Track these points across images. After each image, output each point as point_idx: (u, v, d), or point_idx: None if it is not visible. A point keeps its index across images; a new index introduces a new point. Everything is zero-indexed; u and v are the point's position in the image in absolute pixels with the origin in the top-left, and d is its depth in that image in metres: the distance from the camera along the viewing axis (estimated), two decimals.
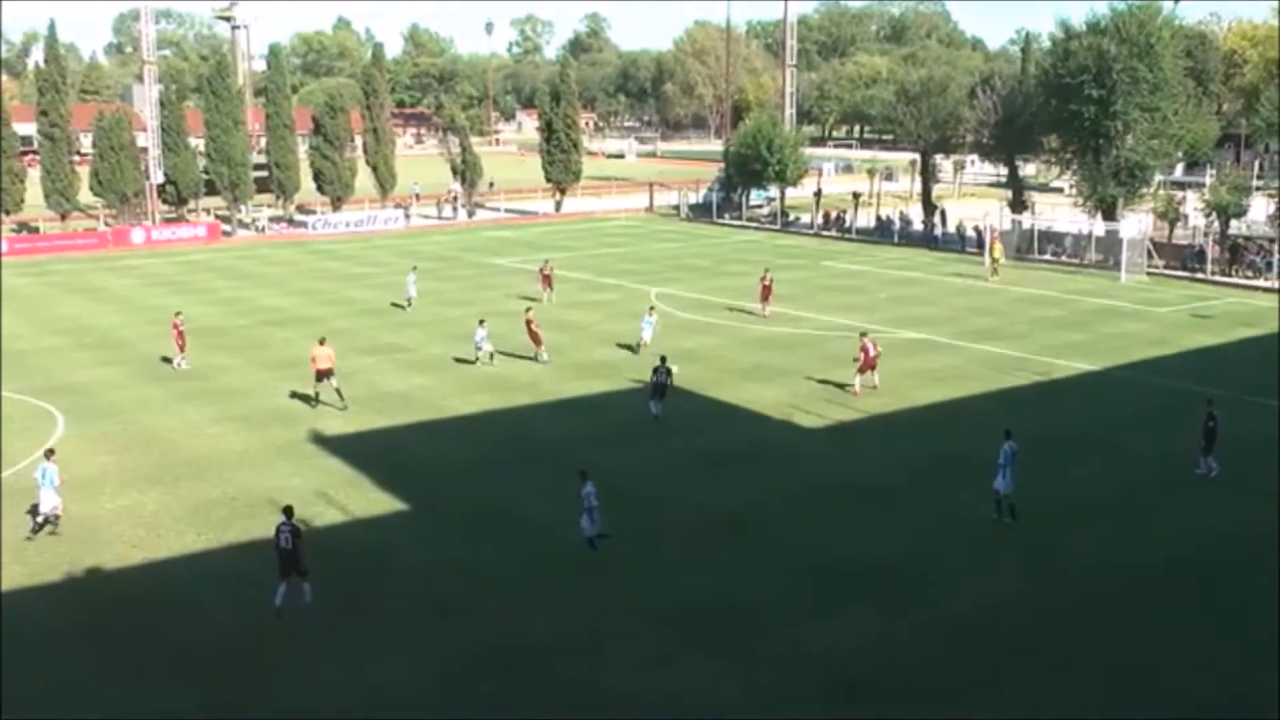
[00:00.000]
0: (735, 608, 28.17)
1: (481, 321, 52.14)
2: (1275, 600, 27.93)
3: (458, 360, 52.56)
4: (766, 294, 62.59)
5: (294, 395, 47.29)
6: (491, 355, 51.89)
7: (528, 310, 54.06)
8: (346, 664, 25.82)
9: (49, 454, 34.52)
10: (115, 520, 34.22)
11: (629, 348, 54.55)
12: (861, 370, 46.45)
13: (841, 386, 47.22)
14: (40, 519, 33.16)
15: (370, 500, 35.74)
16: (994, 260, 75.36)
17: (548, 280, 68.85)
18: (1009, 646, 26.19)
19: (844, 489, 36.09)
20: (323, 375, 45.64)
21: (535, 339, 52.66)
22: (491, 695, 24.42)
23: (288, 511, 29.14)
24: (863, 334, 48.13)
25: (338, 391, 45.58)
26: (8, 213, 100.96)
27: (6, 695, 24.38)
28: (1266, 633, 26.42)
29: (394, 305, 66.41)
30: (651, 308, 50.89)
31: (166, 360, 53.64)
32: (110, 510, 35.03)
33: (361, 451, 40.27)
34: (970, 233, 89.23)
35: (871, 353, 46.22)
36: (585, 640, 26.72)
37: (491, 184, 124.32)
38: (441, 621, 27.74)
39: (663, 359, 44.69)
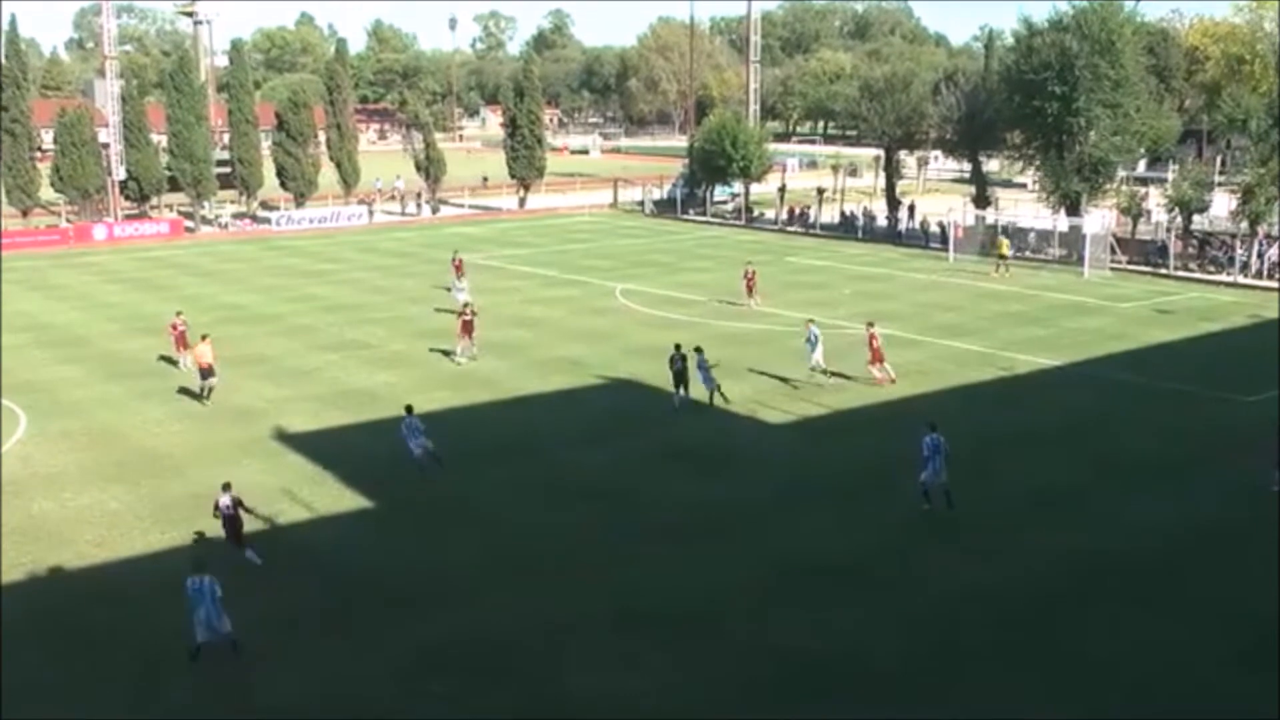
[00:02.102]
0: (699, 606, 28.14)
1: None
2: (1241, 593, 28.19)
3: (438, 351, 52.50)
4: (750, 287, 62.92)
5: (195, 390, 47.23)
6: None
7: (467, 307, 53.62)
8: (306, 661, 25.78)
9: None
10: (78, 519, 34.06)
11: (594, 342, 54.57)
12: (874, 362, 46.94)
13: (790, 383, 47.21)
14: None
15: (333, 497, 35.68)
16: (1001, 258, 74.95)
17: (459, 270, 68.51)
18: (974, 642, 26.28)
19: (809, 485, 36.15)
20: (206, 373, 45.87)
21: (467, 333, 51.96)
22: (449, 694, 24.39)
23: (226, 486, 31.01)
24: (869, 324, 48.37)
25: (208, 391, 45.91)
26: None
27: None
28: (1229, 626, 26.66)
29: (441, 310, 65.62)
30: (811, 320, 49.49)
31: (170, 361, 52.68)
32: (73, 509, 34.86)
33: (324, 448, 40.17)
34: (934, 228, 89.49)
35: (876, 343, 46.94)
36: (547, 639, 26.68)
37: (486, 179, 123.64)
38: (402, 619, 27.69)
39: (677, 346, 44.83)
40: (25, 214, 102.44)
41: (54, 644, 26.80)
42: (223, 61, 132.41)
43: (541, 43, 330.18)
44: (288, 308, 66.22)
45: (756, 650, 25.96)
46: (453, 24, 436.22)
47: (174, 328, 52.58)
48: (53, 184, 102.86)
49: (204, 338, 46.54)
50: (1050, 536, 32.11)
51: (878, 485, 35.83)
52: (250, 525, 32.70)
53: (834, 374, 47.40)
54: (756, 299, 63.37)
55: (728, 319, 60.49)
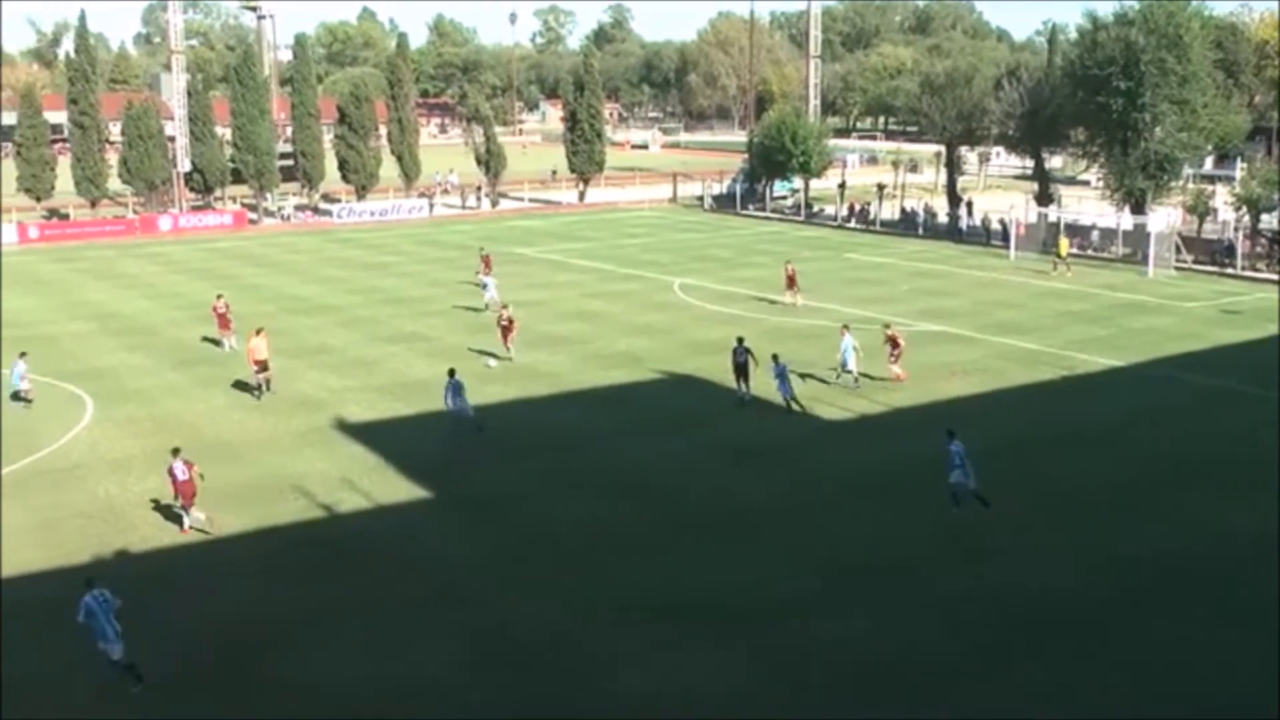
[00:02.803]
0: (748, 600, 28.21)
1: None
2: None
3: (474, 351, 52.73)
4: (791, 284, 62.84)
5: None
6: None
7: (505, 308, 53.04)
8: (362, 650, 26.01)
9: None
10: (142, 503, 34.53)
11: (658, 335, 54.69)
12: (895, 360, 46.68)
13: (864, 378, 47.18)
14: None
15: (391, 487, 35.97)
16: (1060, 257, 74.25)
17: (487, 266, 69.07)
18: (1016, 640, 26.21)
19: (862, 482, 36.04)
20: (260, 367, 45.77)
21: (506, 336, 51.05)
22: (504, 684, 24.59)
23: (176, 450, 32.85)
24: (886, 325, 48.11)
25: (266, 384, 45.77)
26: (39, 199, 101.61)
27: (22, 675, 24.70)
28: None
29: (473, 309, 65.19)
30: (846, 326, 48.32)
31: (214, 342, 54.53)
32: (137, 493, 35.35)
33: (383, 439, 40.52)
34: (996, 225, 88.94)
35: (901, 343, 46.65)
36: (597, 632, 26.82)
37: (555, 172, 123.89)
38: (458, 609, 27.96)
39: (740, 340, 44.97)
40: (93, 204, 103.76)
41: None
42: (286, 56, 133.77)
43: (601, 37, 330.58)
44: (349, 299, 66.72)
45: (805, 648, 25.95)
46: (513, 18, 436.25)
47: (215, 310, 54.51)
48: (120, 175, 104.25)
49: (258, 332, 46.63)
50: (1105, 539, 31.84)
51: (932, 484, 35.62)
52: (310, 513, 33.25)
53: (862, 375, 46.90)
54: (798, 296, 63.03)
55: (786, 315, 60.40)
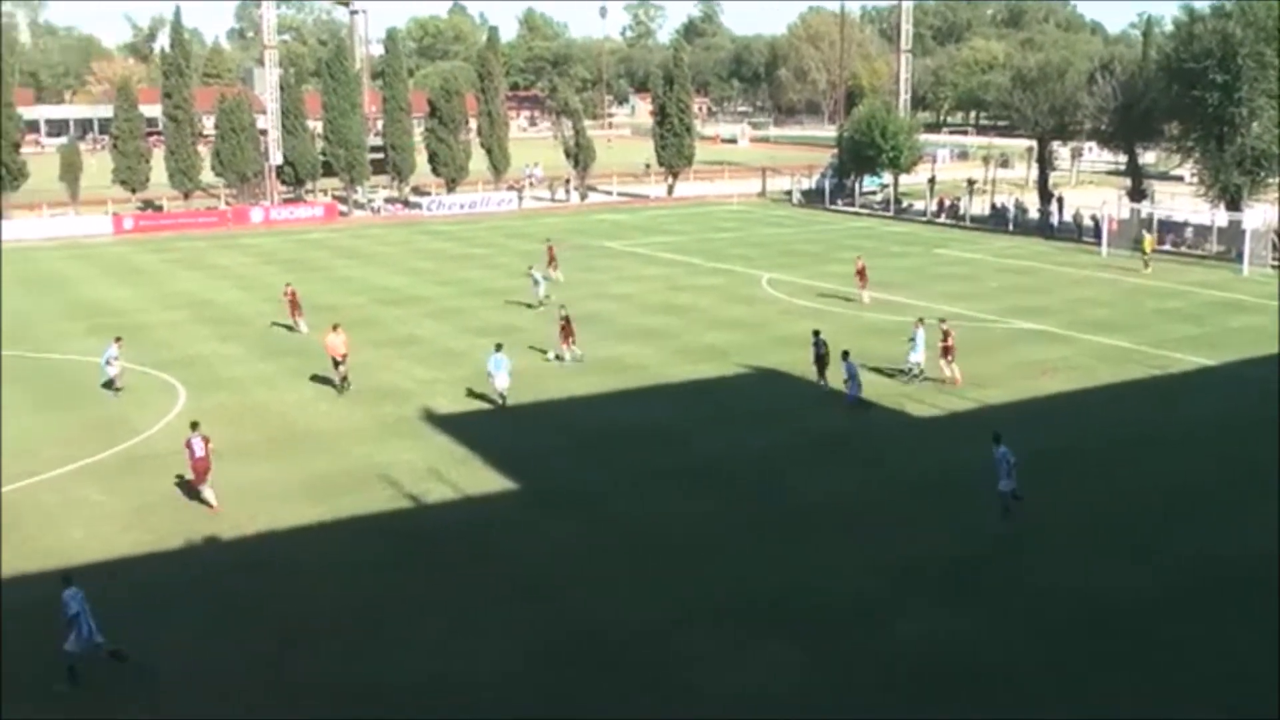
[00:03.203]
0: (821, 599, 28.07)
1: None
2: None
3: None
4: (861, 279, 62.45)
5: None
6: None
7: (562, 308, 52.17)
8: (440, 640, 26.18)
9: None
10: (233, 491, 34.86)
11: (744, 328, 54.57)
12: (947, 358, 45.77)
13: (935, 379, 46.77)
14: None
15: (478, 478, 36.12)
16: (1144, 254, 73.16)
17: (553, 258, 69.61)
18: (1096, 645, 25.74)
19: (950, 481, 35.69)
20: (339, 362, 45.76)
21: (568, 336, 50.25)
22: (578, 680, 24.66)
23: (194, 425, 34.34)
24: (941, 320, 47.54)
25: (346, 379, 45.73)
26: (133, 191, 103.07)
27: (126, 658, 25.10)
28: None
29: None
30: (920, 320, 48.01)
31: (288, 328, 55.70)
32: (228, 481, 35.66)
33: (471, 430, 40.73)
34: (1088, 222, 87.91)
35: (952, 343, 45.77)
36: (677, 628, 26.76)
37: (648, 166, 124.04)
38: (537, 603, 28.03)
39: (816, 333, 45.24)
40: (186, 196, 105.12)
41: (202, 611, 27.62)
42: (377, 50, 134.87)
43: (691, 31, 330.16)
44: (437, 291, 67.12)
45: (882, 648, 25.78)
46: (603, 12, 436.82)
47: (286, 296, 56.17)
48: (213, 168, 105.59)
49: (335, 327, 46.61)
50: (1189, 543, 31.28)
51: (1022, 482, 35.32)
52: (396, 503, 33.50)
53: (927, 377, 46.49)
54: (866, 293, 62.51)
55: (876, 311, 60.04)
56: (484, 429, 41.04)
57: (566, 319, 50.21)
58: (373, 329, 56.62)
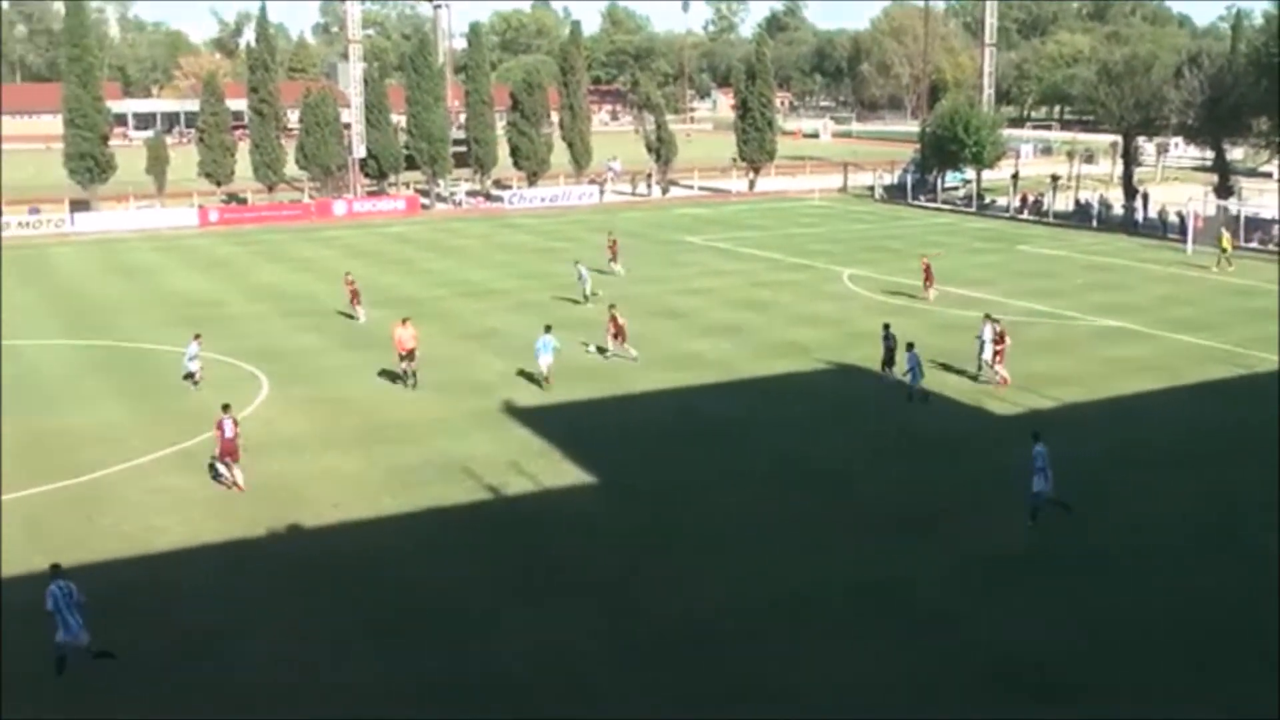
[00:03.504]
0: (910, 595, 27.98)
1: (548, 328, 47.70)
2: None
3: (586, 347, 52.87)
4: (928, 278, 61.99)
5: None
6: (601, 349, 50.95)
7: (612, 307, 51.47)
8: (517, 631, 26.30)
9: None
10: (316, 481, 35.28)
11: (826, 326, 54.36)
12: (999, 360, 44.92)
13: (1019, 376, 46.39)
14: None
15: (557, 471, 36.26)
16: (1223, 251, 72.02)
17: (614, 251, 70.16)
18: (1172, 650, 25.50)
19: (1025, 481, 35.35)
20: (406, 356, 45.67)
21: (618, 334, 49.83)
22: (652, 672, 24.69)
23: (225, 407, 35.17)
24: (990, 317, 46.53)
25: (414, 374, 45.60)
26: (219, 184, 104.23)
27: (204, 633, 25.40)
28: None
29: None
30: (987, 315, 47.49)
31: (349, 316, 56.97)
32: (311, 471, 36.12)
33: (552, 423, 40.86)
34: (1173, 218, 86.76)
35: (1006, 341, 45.05)
36: (755, 622, 26.78)
37: (735, 160, 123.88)
38: (613, 595, 28.15)
39: (886, 326, 45.16)
40: (270, 189, 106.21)
41: (282, 600, 27.95)
42: (461, 44, 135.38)
43: (774, 25, 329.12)
44: (518, 284, 67.38)
45: (966, 649, 25.60)
46: (686, 6, 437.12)
47: (346, 284, 57.82)
48: (297, 161, 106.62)
49: (404, 321, 46.55)
50: (1269, 543, 30.61)
51: (1094, 483, 34.93)
52: (476, 495, 33.70)
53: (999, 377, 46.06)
54: (931, 291, 61.88)
55: (956, 306, 59.59)
56: (563, 422, 41.16)
57: (614, 315, 50.11)
58: (453, 322, 56.96)
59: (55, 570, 24.73)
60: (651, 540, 31.35)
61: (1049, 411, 42.14)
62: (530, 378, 46.05)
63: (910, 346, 43.44)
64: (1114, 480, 35.08)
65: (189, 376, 45.91)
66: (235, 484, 34.55)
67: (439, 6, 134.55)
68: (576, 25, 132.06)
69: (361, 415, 42.01)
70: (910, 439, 39.27)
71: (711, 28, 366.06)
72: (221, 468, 34.94)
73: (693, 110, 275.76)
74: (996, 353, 44.86)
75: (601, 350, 50.14)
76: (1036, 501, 31.55)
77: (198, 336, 47.13)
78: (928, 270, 62.14)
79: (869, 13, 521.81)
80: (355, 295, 57.76)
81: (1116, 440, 38.68)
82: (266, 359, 49.72)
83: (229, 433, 34.41)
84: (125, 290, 67.12)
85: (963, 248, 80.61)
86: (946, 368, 46.42)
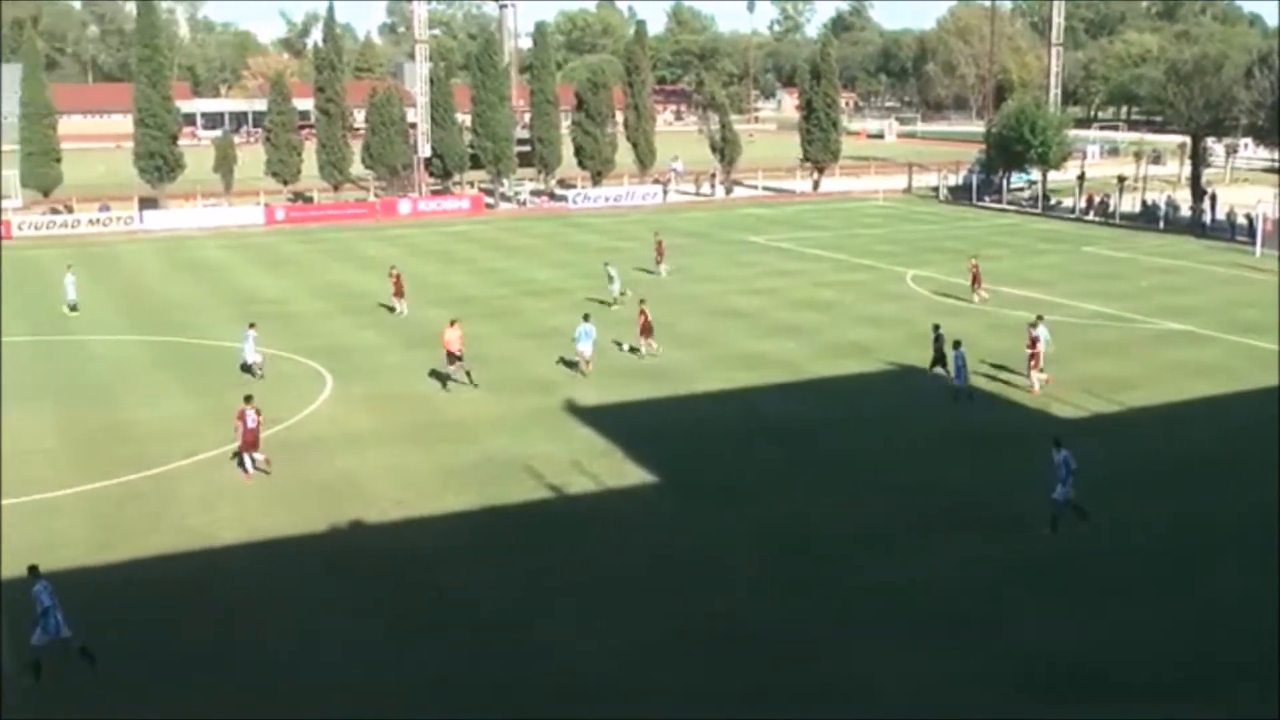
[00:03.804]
0: (971, 598, 27.91)
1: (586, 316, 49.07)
2: None
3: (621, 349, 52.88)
4: (976, 281, 61.58)
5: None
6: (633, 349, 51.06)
7: (642, 302, 51.64)
8: (575, 629, 26.47)
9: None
10: (377, 477, 35.58)
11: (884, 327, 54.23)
12: (1034, 365, 44.44)
13: (1080, 380, 46.07)
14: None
15: (619, 471, 36.38)
16: None
17: (660, 252, 70.35)
18: (1234, 654, 25.28)
19: (1095, 484, 35.06)
20: (453, 358, 45.64)
21: (646, 330, 50.01)
22: (711, 670, 24.75)
23: (248, 398, 36.13)
24: (1041, 318, 46.40)
25: (467, 373, 45.60)
26: (285, 182, 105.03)
27: (263, 640, 25.69)
28: None
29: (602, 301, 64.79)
30: (1040, 317, 47.08)
31: (389, 309, 58.73)
32: (373, 467, 36.42)
33: (614, 422, 40.98)
34: (1241, 220, 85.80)
35: (1040, 346, 44.48)
36: (811, 621, 26.80)
37: (802, 160, 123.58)
38: (672, 593, 28.22)
39: (936, 326, 45.19)
40: (336, 188, 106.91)
41: (341, 595, 28.22)
42: (526, 44, 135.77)
43: (839, 25, 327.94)
44: (581, 283, 67.49)
45: (1028, 649, 25.53)
46: (751, 6, 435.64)
47: (391, 277, 59.66)
48: (363, 160, 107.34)
49: (452, 322, 46.58)
50: None
51: (1157, 486, 34.70)
52: (538, 494, 33.85)
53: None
54: (981, 293, 61.38)
55: (1019, 308, 59.21)
56: (626, 421, 41.27)
57: (644, 310, 50.27)
58: (516, 321, 57.21)
59: (34, 572, 24.76)
60: (713, 540, 31.39)
61: (1110, 414, 41.92)
62: (573, 365, 46.99)
63: (957, 345, 43.40)
64: (1175, 483, 34.84)
65: (247, 369, 46.55)
66: (259, 468, 35.70)
67: (505, 6, 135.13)
68: (642, 25, 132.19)
69: (423, 412, 42.30)
70: (972, 440, 39.09)
71: (777, 28, 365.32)
72: (245, 458, 35.68)
73: (757, 110, 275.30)
74: (1031, 356, 44.55)
75: (634, 350, 50.27)
76: (1056, 509, 31.25)
77: (252, 325, 47.92)
78: (976, 272, 61.81)
79: (935, 12, 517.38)
80: (399, 288, 58.93)
81: (1176, 444, 38.40)
82: (330, 356, 50.13)
83: (251, 423, 35.25)
84: (192, 287, 67.86)
85: (1026, 249, 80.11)
86: (1005, 369, 46.15)
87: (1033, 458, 36.80)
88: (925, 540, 31.17)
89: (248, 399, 36.18)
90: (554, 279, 69.71)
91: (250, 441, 35.49)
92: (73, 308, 59.38)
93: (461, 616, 26.98)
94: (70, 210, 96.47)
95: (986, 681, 24.23)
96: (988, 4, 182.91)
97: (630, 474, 36.16)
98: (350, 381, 46.39)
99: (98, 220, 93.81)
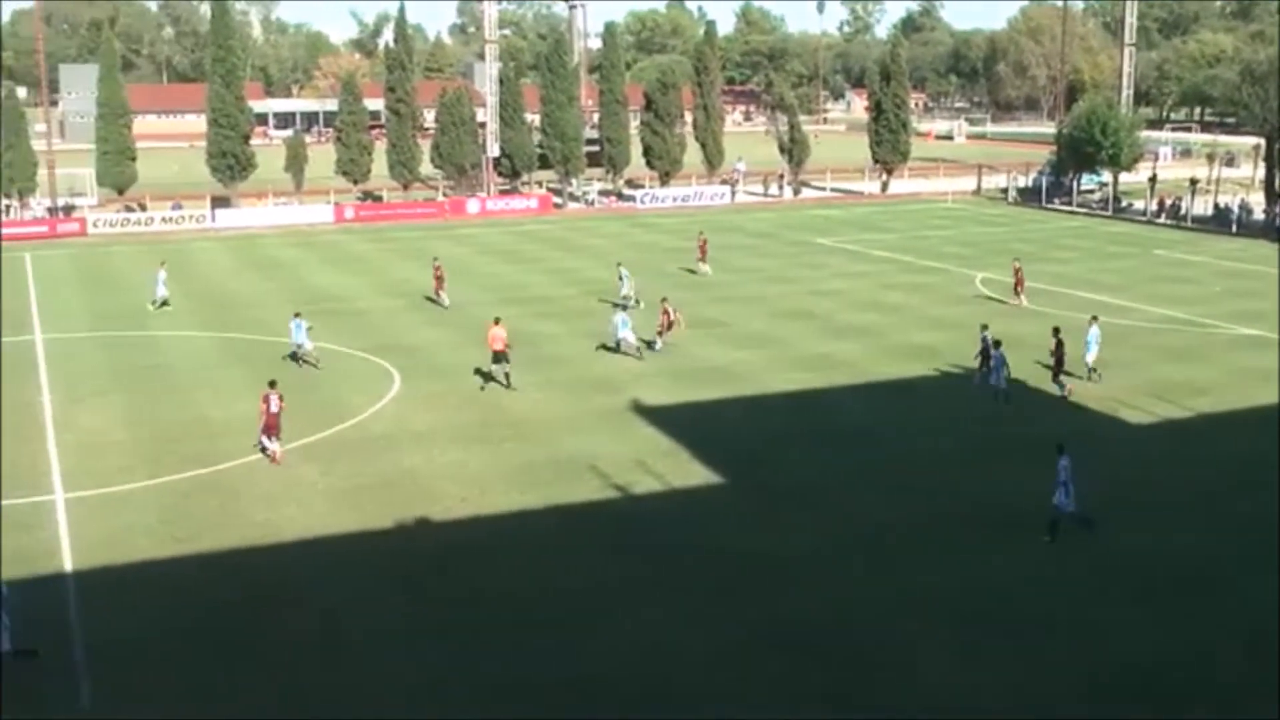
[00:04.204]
0: (1039, 606, 27.69)
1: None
2: None
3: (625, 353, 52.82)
4: (1019, 284, 61.24)
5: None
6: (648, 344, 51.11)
7: (663, 300, 52.09)
8: (643, 630, 26.47)
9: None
10: (444, 475, 35.81)
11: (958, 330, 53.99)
12: (1059, 369, 44.07)
13: (1153, 384, 45.66)
14: None
15: (684, 471, 36.40)
16: None
17: (704, 251, 70.96)
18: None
19: (1165, 491, 34.84)
20: (499, 356, 45.61)
21: (669, 327, 50.52)
22: (777, 674, 24.69)
23: (272, 383, 37.72)
24: (1095, 319, 46.84)
25: (506, 375, 45.52)
26: (355, 181, 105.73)
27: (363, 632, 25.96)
28: None
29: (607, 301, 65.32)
30: (1094, 317, 47.51)
31: (432, 300, 60.64)
32: (440, 465, 36.66)
33: (680, 423, 41.01)
34: None
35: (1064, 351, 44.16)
36: (875, 624, 26.77)
37: (877, 162, 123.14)
38: (738, 595, 28.23)
39: (984, 327, 45.12)
40: (405, 187, 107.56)
41: (406, 593, 28.36)
42: (596, 44, 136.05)
43: (909, 25, 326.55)
44: (648, 283, 67.41)
45: (1094, 654, 25.35)
46: (821, 6, 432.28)
47: (435, 270, 62.42)
48: (432, 160, 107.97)
49: (496, 321, 46.72)
50: None
51: (1227, 491, 34.36)
52: (603, 493, 33.95)
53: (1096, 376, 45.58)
54: (1023, 297, 61.02)
55: (1089, 311, 58.63)
56: (692, 421, 41.32)
57: (666, 309, 50.79)
58: (582, 320, 57.33)
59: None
60: (777, 540, 31.35)
61: (1182, 421, 41.53)
62: (622, 353, 46.47)
63: (998, 345, 43.31)
64: (1245, 488, 34.48)
65: (294, 357, 47.96)
66: (274, 456, 36.81)
67: (574, 6, 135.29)
68: (711, 25, 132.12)
69: (489, 411, 42.52)
70: (1040, 445, 38.71)
71: (846, 28, 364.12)
72: (266, 442, 36.81)
73: (826, 111, 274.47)
74: (1058, 360, 44.19)
75: (649, 344, 50.46)
76: (1056, 515, 30.88)
77: (298, 315, 49.01)
78: (1019, 274, 61.51)
79: (1006, 12, 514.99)
80: (440, 281, 61.36)
81: (1245, 451, 37.93)
82: (398, 354, 50.49)
83: (274, 408, 36.49)
84: (262, 284, 68.54)
85: (1096, 252, 79.46)
86: (1071, 375, 45.71)
87: (1100, 463, 36.66)
88: (991, 544, 31.04)
89: (272, 384, 37.64)
90: None
91: (271, 425, 36.77)
92: (163, 303, 60.40)
93: (528, 616, 27.07)
94: (144, 208, 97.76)
95: (1055, 686, 24.11)
96: (1060, 4, 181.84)
97: (695, 474, 36.19)
98: (417, 379, 46.70)
99: (170, 218, 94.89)
